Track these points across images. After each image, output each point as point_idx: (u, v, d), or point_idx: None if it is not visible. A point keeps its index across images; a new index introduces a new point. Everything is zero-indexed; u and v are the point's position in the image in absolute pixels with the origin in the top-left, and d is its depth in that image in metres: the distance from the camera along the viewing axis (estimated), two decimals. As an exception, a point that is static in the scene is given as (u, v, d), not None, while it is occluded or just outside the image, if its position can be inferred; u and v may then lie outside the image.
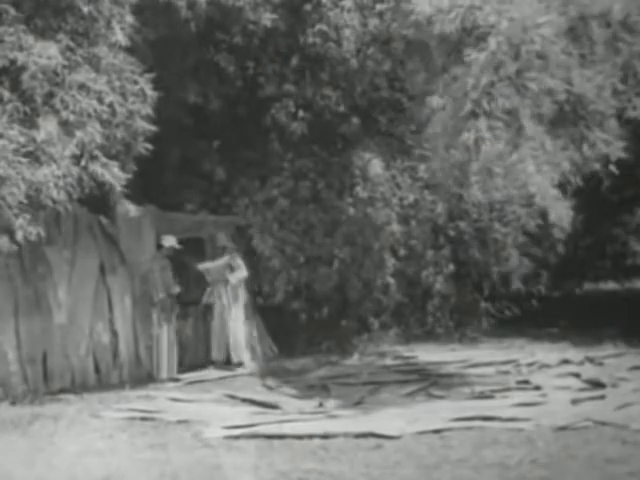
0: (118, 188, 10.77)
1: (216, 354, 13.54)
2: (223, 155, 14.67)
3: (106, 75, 10.80)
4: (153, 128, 11.21)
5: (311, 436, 9.44)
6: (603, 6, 10.51)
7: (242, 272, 13.57)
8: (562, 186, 10.97)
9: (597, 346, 14.46)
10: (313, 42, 14.03)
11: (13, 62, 10.20)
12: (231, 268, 13.53)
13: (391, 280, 15.33)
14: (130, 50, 11.15)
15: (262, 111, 14.48)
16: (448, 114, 10.17)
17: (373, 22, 14.04)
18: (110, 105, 10.69)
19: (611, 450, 8.79)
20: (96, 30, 10.89)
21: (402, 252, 15.58)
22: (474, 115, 9.88)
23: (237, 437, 9.49)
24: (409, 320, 16.14)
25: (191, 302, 13.84)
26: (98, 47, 10.85)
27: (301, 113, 14.42)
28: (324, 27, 13.93)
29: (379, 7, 13.82)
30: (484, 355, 14.15)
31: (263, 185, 14.53)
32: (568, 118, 10.41)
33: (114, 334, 12.71)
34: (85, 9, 10.66)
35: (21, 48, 10.21)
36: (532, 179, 10.53)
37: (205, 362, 13.64)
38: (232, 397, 11.65)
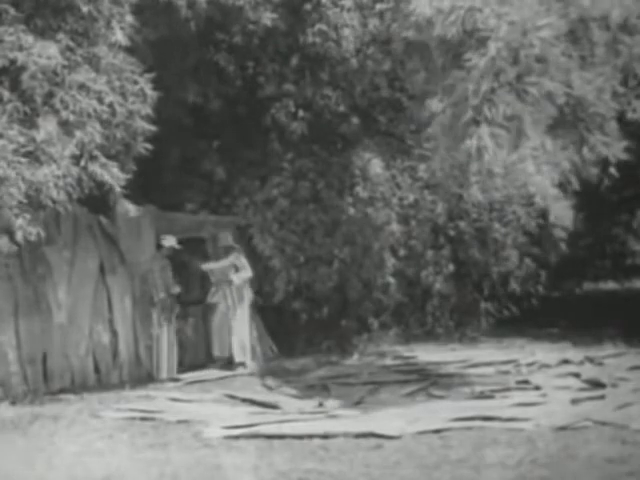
0: (117, 188, 10.77)
1: (218, 352, 13.52)
2: (223, 155, 14.66)
3: (106, 75, 10.79)
4: (153, 128, 11.21)
5: (311, 436, 9.43)
6: (603, 9, 10.50)
7: (247, 272, 13.53)
8: (562, 186, 10.98)
9: (597, 346, 14.45)
10: (313, 42, 14.02)
11: (13, 62, 10.18)
12: (236, 268, 13.52)
13: (391, 280, 15.34)
14: (130, 50, 11.14)
15: (262, 111, 14.48)
16: (448, 118, 10.16)
17: (373, 22, 14.04)
18: (110, 105, 10.68)
19: (611, 450, 8.79)
20: (96, 30, 10.88)
21: (402, 252, 15.59)
22: (475, 122, 9.87)
23: (237, 437, 9.49)
24: (409, 320, 16.14)
25: (191, 302, 13.84)
26: (98, 47, 10.84)
27: (301, 113, 14.42)
28: (324, 27, 13.92)
29: (379, 7, 13.83)
30: (484, 355, 14.15)
31: (263, 185, 14.53)
32: (568, 121, 10.40)
33: (114, 334, 12.70)
34: (85, 9, 10.65)
35: (21, 48, 10.19)
36: (532, 179, 10.53)
37: (205, 362, 13.64)
38: (232, 397, 11.65)
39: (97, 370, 12.52)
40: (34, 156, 10.17)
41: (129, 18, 11.07)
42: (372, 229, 15.01)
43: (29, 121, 10.26)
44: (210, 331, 13.67)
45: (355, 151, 15.29)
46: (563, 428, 9.62)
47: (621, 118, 10.98)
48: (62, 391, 11.87)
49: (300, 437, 9.42)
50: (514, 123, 9.92)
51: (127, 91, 10.97)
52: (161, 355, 12.77)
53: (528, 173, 10.46)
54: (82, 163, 10.49)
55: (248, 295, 13.68)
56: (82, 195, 10.71)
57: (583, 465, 8.34)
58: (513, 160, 10.54)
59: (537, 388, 11.75)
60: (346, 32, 14.02)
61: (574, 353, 13.95)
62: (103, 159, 10.66)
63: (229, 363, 13.45)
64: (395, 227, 15.30)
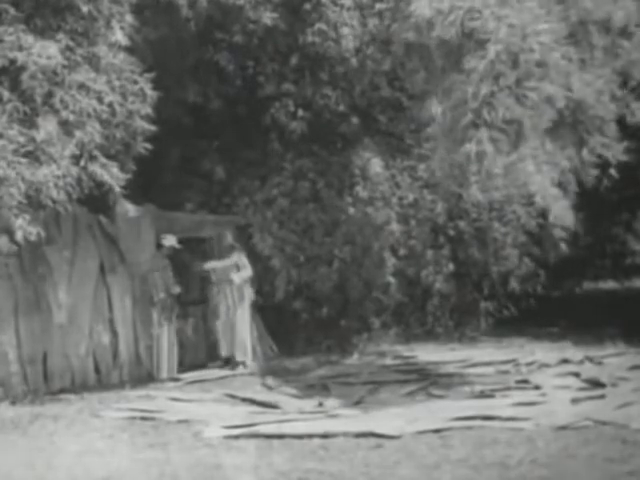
0: (117, 188, 10.77)
1: (224, 352, 13.51)
2: (223, 155, 14.67)
3: (106, 75, 10.79)
4: (153, 128, 11.22)
5: (311, 436, 9.43)
6: (605, 12, 10.48)
7: (247, 271, 13.54)
8: (562, 185, 10.97)
9: (597, 345, 14.44)
10: (313, 41, 14.03)
11: (13, 62, 10.19)
12: (237, 267, 13.52)
13: (391, 279, 15.34)
14: (130, 50, 11.15)
15: (262, 110, 14.48)
16: (448, 121, 10.16)
17: (372, 22, 14.04)
18: (110, 105, 10.69)
19: (611, 449, 8.78)
20: (96, 30, 10.88)
21: (402, 251, 15.58)
22: (475, 125, 9.86)
23: (237, 437, 9.49)
24: (409, 319, 16.14)
25: (191, 302, 13.84)
26: (98, 47, 10.85)
27: (301, 112, 14.43)
28: (324, 26, 13.92)
29: (378, 6, 13.83)
30: (484, 354, 14.15)
31: (263, 185, 14.54)
32: (567, 123, 10.40)
33: (114, 334, 12.70)
34: (85, 8, 10.65)
35: (21, 48, 10.19)
36: (532, 178, 10.51)
37: (205, 362, 13.65)
38: (232, 397, 11.65)
39: (97, 370, 12.52)
40: (34, 156, 10.17)
41: (129, 18, 11.09)
42: (372, 229, 15.01)
43: (29, 121, 10.27)
44: (216, 331, 13.66)
45: (355, 151, 15.29)
46: (563, 428, 9.61)
47: (620, 120, 10.97)
48: (62, 391, 11.88)
49: (300, 437, 9.42)
50: (513, 127, 9.91)
51: (127, 91, 10.98)
52: (161, 355, 12.78)
53: (528, 172, 10.44)
54: (82, 163, 10.50)
55: (249, 294, 13.68)
56: (82, 195, 10.72)
57: (583, 465, 8.34)
58: (513, 159, 10.52)
59: (537, 387, 11.74)
60: (346, 31, 14.02)
61: (574, 352, 13.94)
62: (103, 159, 10.67)
63: (227, 362, 13.47)
64: (395, 227, 15.30)
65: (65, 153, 10.29)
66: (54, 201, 10.24)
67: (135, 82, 11.07)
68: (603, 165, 11.13)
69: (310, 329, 14.82)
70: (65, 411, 10.70)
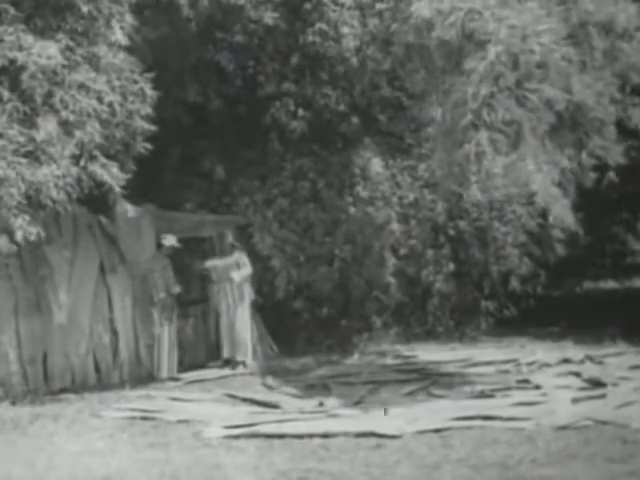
0: (117, 188, 10.77)
1: (227, 353, 13.50)
2: (223, 154, 14.66)
3: (106, 74, 10.79)
4: (153, 128, 11.21)
5: (311, 435, 9.42)
6: (606, 14, 10.47)
7: (246, 270, 13.54)
8: (562, 185, 10.97)
9: (597, 345, 14.44)
10: (313, 41, 14.03)
11: (13, 62, 10.19)
12: (238, 266, 13.52)
13: (391, 279, 15.33)
14: (130, 49, 11.14)
15: (262, 110, 14.48)
16: (447, 122, 10.15)
17: (373, 21, 14.03)
18: (110, 105, 10.69)
19: (612, 449, 8.78)
20: (96, 29, 10.88)
21: (402, 251, 15.58)
22: (474, 127, 9.86)
23: (237, 437, 9.49)
24: (409, 319, 16.13)
25: (191, 302, 13.84)
26: (98, 46, 10.84)
27: (301, 112, 14.42)
28: (324, 26, 13.93)
29: (379, 6, 13.82)
30: (484, 354, 14.14)
31: (263, 184, 14.54)
32: (567, 125, 10.39)
33: (114, 334, 12.70)
34: (84, 8, 10.65)
35: (21, 48, 10.19)
36: (532, 178, 10.51)
37: (205, 361, 13.64)
38: (232, 397, 11.64)
39: (97, 370, 12.52)
40: (34, 156, 10.17)
41: (129, 17, 11.08)
42: (372, 228, 15.01)
43: (29, 121, 10.26)
44: (220, 331, 13.65)
45: (355, 150, 15.29)
46: (564, 427, 9.61)
47: (619, 123, 10.97)
48: (62, 391, 11.88)
49: (300, 436, 9.42)
50: (513, 128, 9.91)
51: (127, 91, 10.98)
52: (161, 354, 12.77)
53: (528, 172, 10.43)
54: (82, 163, 10.50)
55: (249, 294, 13.68)
56: (82, 195, 10.72)
57: (583, 464, 8.33)
58: (513, 159, 10.52)
59: (537, 387, 11.74)
60: (346, 31, 14.02)
61: (574, 352, 13.93)
62: (103, 159, 10.67)
63: (227, 362, 13.47)
64: (395, 226, 15.29)
65: (65, 153, 10.29)
66: (54, 201, 10.24)
67: (135, 82, 11.07)
68: (602, 167, 11.13)
69: (310, 329, 14.82)
70: (65, 411, 10.70)
